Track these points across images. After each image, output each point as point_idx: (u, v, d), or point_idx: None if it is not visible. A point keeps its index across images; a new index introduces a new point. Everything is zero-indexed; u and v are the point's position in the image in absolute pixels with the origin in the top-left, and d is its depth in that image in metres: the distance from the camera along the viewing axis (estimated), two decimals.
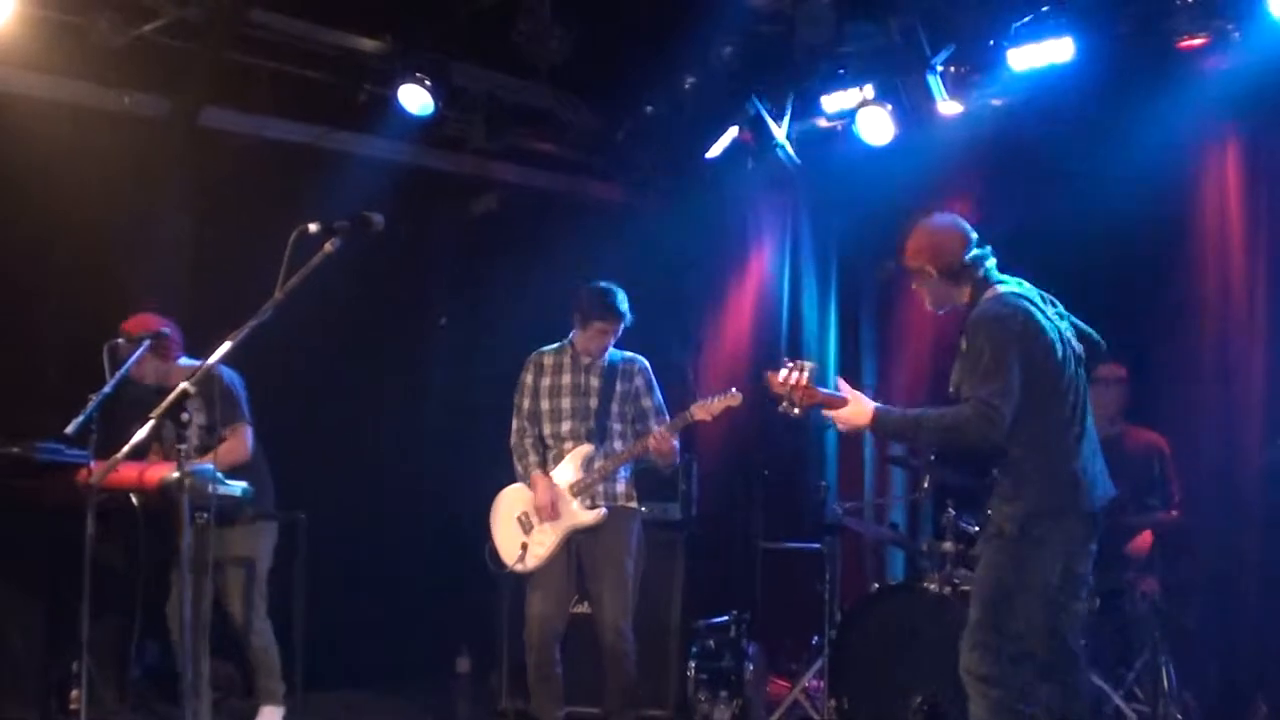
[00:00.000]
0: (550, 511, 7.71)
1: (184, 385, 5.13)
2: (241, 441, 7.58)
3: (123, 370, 6.57)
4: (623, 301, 7.88)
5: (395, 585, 10.28)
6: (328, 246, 5.38)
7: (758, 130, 10.16)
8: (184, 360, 7.81)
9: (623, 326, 7.91)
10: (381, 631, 9.96)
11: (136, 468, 6.38)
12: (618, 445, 7.87)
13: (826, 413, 5.68)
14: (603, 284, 7.94)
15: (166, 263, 9.58)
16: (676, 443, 7.78)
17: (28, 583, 7.89)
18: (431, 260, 11.01)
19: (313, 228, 5.41)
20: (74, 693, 7.21)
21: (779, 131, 10.10)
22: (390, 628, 10.05)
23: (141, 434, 5.32)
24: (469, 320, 11.20)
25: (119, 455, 5.48)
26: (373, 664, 9.78)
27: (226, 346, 5.29)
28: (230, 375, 7.89)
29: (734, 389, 7.74)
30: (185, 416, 5.16)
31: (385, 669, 9.90)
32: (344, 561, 8.78)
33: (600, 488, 7.79)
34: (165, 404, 5.14)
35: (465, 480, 10.30)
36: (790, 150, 10.16)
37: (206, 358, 5.53)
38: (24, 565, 7.88)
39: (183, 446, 5.23)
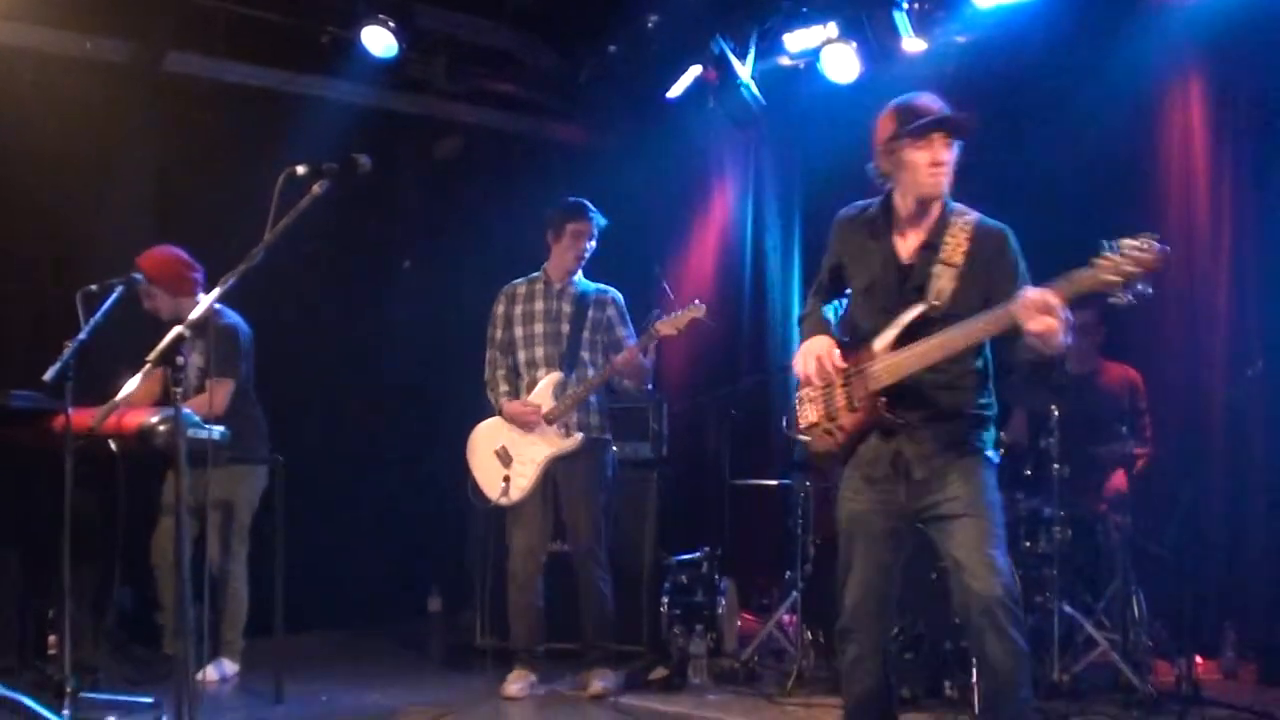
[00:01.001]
0: (532, 421, 7.83)
1: (179, 329, 5.13)
2: (218, 397, 7.56)
3: (98, 315, 6.55)
4: (592, 207, 8.04)
5: (363, 526, 10.30)
6: (315, 189, 5.38)
7: (721, 69, 10.15)
8: (202, 297, 7.82)
9: (596, 229, 8.05)
10: (352, 572, 9.98)
11: (115, 413, 6.36)
12: (589, 374, 7.97)
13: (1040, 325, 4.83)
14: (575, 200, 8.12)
15: (131, 208, 9.54)
16: (647, 361, 7.88)
17: (5, 530, 7.89)
18: (395, 202, 10.98)
19: (300, 170, 5.40)
20: (51, 638, 7.22)
21: (743, 70, 10.09)
22: (360, 568, 10.08)
23: (137, 378, 5.32)
24: (433, 262, 11.19)
25: (117, 400, 5.48)
26: (345, 604, 9.82)
27: (219, 290, 5.28)
28: (234, 323, 7.92)
29: (697, 300, 7.83)
30: (180, 359, 5.16)
31: (357, 609, 9.95)
32: (312, 503, 8.78)
33: (574, 416, 7.91)
34: (160, 347, 5.14)
35: (431, 422, 10.37)
36: (754, 89, 10.15)
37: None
38: (1, 513, 7.89)
39: (178, 390, 5.23)
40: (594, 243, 8.08)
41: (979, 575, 5.11)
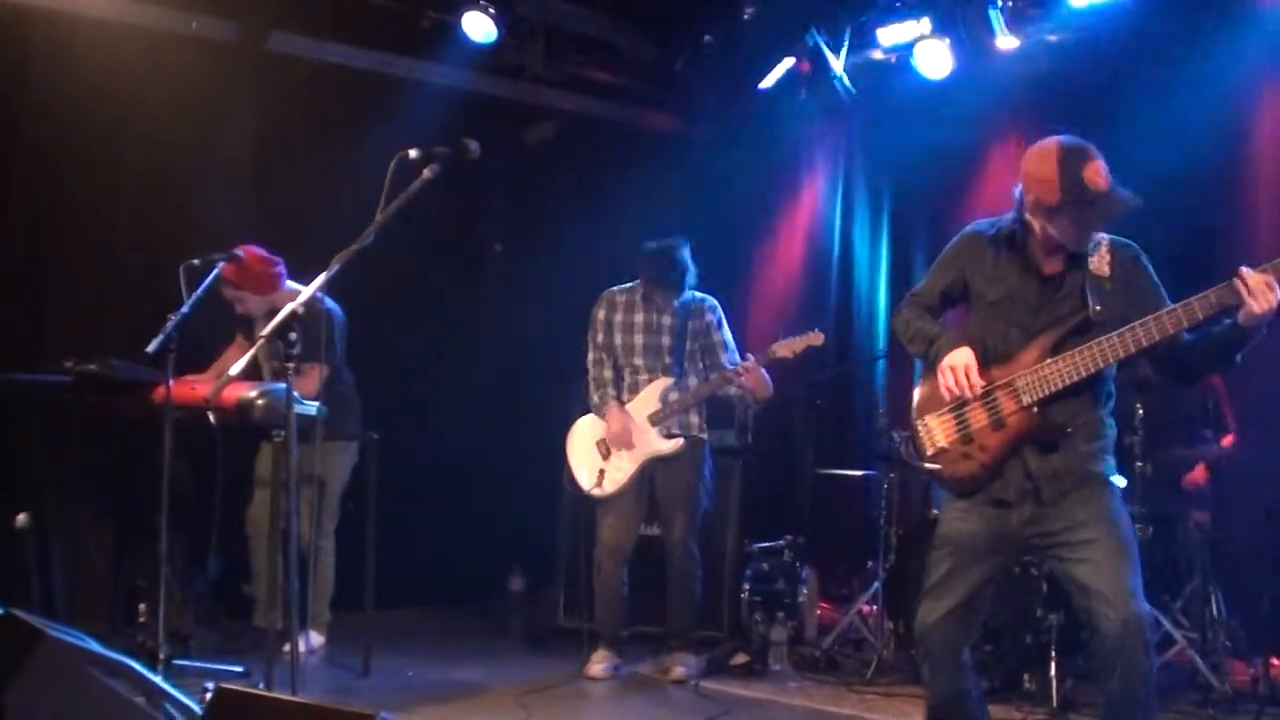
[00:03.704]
0: (623, 439, 7.94)
1: (293, 306, 5.24)
2: (309, 381, 7.55)
3: (200, 290, 6.66)
4: (681, 258, 8.14)
5: (449, 505, 10.38)
6: (426, 172, 5.49)
7: (815, 61, 10.21)
8: (289, 285, 7.94)
9: (688, 280, 8.16)
10: (437, 550, 10.07)
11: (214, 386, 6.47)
12: (691, 382, 8.11)
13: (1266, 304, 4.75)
14: (662, 245, 8.18)
15: (229, 184, 9.67)
16: (765, 373, 7.95)
17: (102, 498, 8.04)
18: (488, 187, 11.05)
19: (413, 154, 5.51)
20: (141, 606, 7.34)
21: (836, 63, 10.13)
22: (444, 548, 10.17)
23: (250, 354, 5.45)
24: (523, 246, 11.28)
25: (231, 374, 5.58)
26: (430, 582, 9.92)
27: (333, 270, 5.39)
28: (329, 308, 7.99)
29: (816, 329, 7.96)
30: (293, 336, 5.26)
31: (441, 587, 10.04)
32: (401, 482, 8.86)
33: (676, 418, 8.01)
34: (273, 325, 5.26)
35: (518, 405, 10.45)
36: (847, 82, 10.19)
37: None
38: (99, 481, 8.03)
39: (290, 365, 5.35)
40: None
41: (1113, 601, 4.91)
